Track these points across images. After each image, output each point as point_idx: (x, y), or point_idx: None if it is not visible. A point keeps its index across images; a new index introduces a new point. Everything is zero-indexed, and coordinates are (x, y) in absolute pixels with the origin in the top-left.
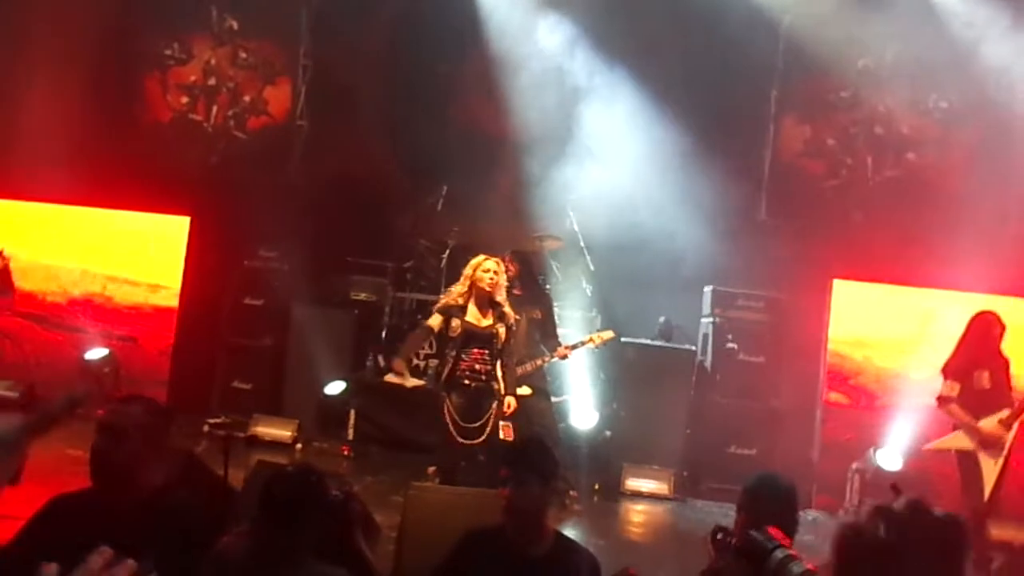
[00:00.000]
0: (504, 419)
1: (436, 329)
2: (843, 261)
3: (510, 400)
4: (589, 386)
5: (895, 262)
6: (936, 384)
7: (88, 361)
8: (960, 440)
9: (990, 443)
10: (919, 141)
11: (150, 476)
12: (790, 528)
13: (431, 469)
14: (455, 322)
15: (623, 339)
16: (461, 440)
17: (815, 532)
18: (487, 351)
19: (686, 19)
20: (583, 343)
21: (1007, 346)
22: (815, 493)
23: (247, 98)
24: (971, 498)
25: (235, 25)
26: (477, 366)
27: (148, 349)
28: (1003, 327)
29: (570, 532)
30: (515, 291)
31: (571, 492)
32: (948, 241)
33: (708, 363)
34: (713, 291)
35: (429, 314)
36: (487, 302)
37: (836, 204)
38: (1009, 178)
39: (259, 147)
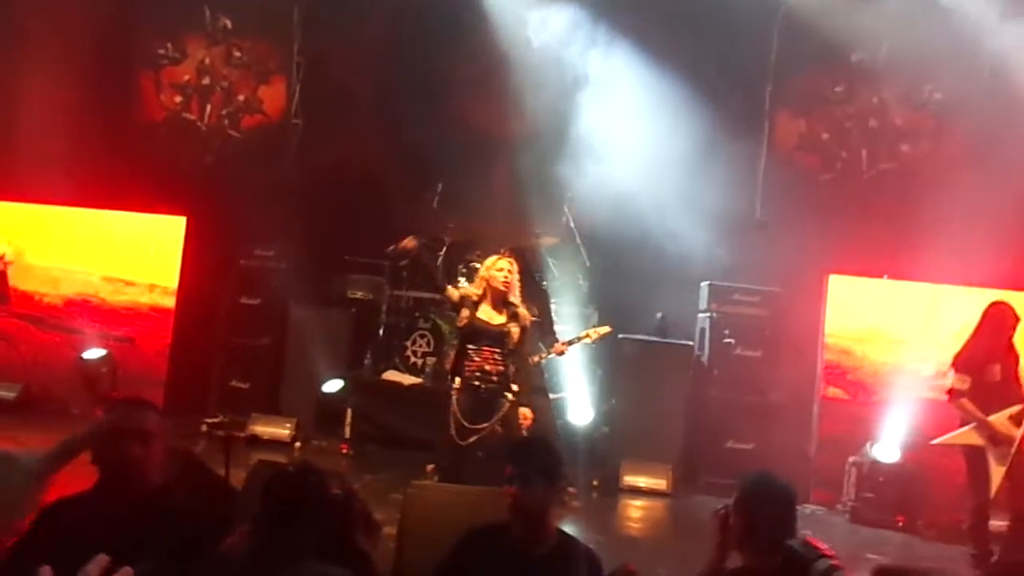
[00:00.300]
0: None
1: (454, 299)
2: (839, 255)
3: (525, 412)
4: (586, 382)
5: (891, 256)
6: (933, 378)
7: (85, 362)
8: (971, 436)
9: (999, 439)
10: (913, 133)
11: (154, 477)
12: (789, 530)
13: (430, 467)
14: (464, 312)
15: (620, 335)
16: (460, 440)
17: (812, 526)
18: (498, 350)
19: (681, 15)
20: (580, 339)
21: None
22: (812, 487)
23: (241, 97)
24: (977, 494)
25: (228, 24)
26: (487, 366)
27: (145, 349)
28: (1017, 319)
29: (569, 529)
30: None
31: (569, 488)
32: (944, 234)
33: (705, 358)
34: (710, 286)
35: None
36: (501, 302)
37: (831, 198)
38: (1004, 169)
39: (254, 146)
